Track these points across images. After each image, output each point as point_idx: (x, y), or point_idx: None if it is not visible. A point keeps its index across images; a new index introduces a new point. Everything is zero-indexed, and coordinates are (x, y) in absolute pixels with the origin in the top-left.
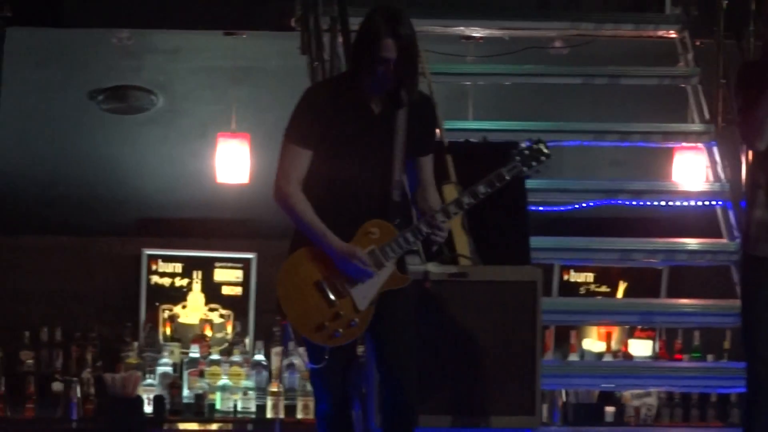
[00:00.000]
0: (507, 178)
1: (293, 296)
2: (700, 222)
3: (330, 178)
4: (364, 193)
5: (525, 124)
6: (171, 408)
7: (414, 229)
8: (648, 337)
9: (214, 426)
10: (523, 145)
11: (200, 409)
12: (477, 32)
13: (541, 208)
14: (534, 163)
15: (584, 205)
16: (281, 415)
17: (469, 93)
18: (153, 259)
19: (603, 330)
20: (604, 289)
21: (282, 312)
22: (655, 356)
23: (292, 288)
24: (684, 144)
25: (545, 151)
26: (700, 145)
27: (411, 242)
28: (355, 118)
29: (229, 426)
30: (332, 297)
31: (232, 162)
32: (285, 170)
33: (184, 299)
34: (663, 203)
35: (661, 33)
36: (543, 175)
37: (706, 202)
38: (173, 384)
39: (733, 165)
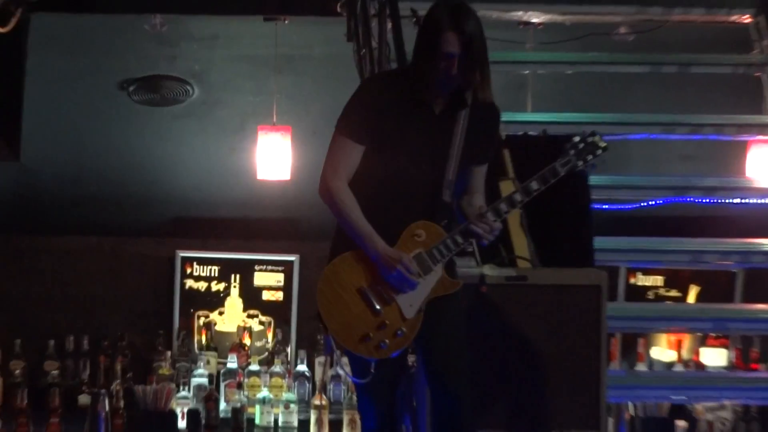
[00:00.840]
0: (561, 173)
1: (334, 305)
2: None
3: (380, 176)
4: (413, 193)
5: (588, 116)
6: (206, 423)
7: (463, 230)
8: (722, 346)
9: None
10: (577, 138)
11: (238, 424)
12: (537, 17)
13: (605, 206)
14: (589, 157)
15: (652, 203)
16: (326, 431)
17: (528, 82)
18: (188, 261)
19: (673, 338)
20: (674, 293)
21: (323, 323)
22: (730, 366)
23: (333, 296)
24: (759, 137)
25: (601, 144)
26: None
27: (460, 244)
28: (413, 115)
29: None
30: (377, 305)
31: (273, 157)
32: (334, 163)
33: (222, 305)
34: (737, 200)
35: (734, 18)
36: (608, 171)
37: None
38: (209, 397)
39: None
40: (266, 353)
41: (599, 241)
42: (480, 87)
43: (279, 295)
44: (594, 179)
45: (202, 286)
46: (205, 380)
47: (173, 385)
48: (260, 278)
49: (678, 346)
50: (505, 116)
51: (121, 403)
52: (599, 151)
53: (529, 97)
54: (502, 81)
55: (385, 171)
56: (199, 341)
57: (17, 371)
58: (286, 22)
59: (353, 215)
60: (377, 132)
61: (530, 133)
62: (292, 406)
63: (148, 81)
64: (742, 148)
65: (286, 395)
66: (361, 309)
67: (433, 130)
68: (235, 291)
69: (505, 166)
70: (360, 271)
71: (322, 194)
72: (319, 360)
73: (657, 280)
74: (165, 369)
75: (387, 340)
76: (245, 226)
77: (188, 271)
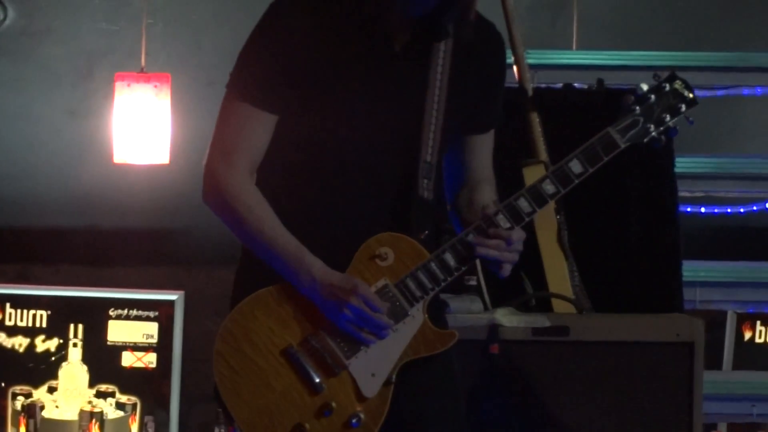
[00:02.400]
0: (620, 144)
1: (243, 379)
2: None
3: (310, 160)
4: (367, 187)
5: (673, 56)
6: None
7: (458, 246)
8: None
9: None
10: (644, 86)
11: None
12: None
13: (703, 210)
14: (666, 117)
15: None
16: None
17: (574, 2)
18: None
19: None
20: None
21: (224, 409)
22: None
23: (241, 364)
24: None
25: (687, 94)
26: None
27: (453, 271)
28: (359, 56)
29: None
30: (315, 377)
31: (140, 126)
32: (225, 145)
33: (53, 376)
34: None
35: None
36: (703, 150)
37: None
38: None
39: None
40: None
41: (691, 268)
42: (463, 5)
43: (150, 360)
44: (682, 165)
45: (20, 343)
46: None
47: None
48: (118, 331)
49: None
50: (532, 56)
51: None
52: (682, 106)
53: (574, 25)
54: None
55: (318, 151)
56: None
57: None
58: None
59: (266, 226)
60: (299, 89)
61: (575, 84)
62: None
63: None
64: None
65: None
66: (288, 383)
67: (395, 77)
68: (75, 353)
69: (533, 140)
70: (285, 320)
71: (207, 197)
72: None
73: None
74: None
75: None
76: (93, 242)
77: None
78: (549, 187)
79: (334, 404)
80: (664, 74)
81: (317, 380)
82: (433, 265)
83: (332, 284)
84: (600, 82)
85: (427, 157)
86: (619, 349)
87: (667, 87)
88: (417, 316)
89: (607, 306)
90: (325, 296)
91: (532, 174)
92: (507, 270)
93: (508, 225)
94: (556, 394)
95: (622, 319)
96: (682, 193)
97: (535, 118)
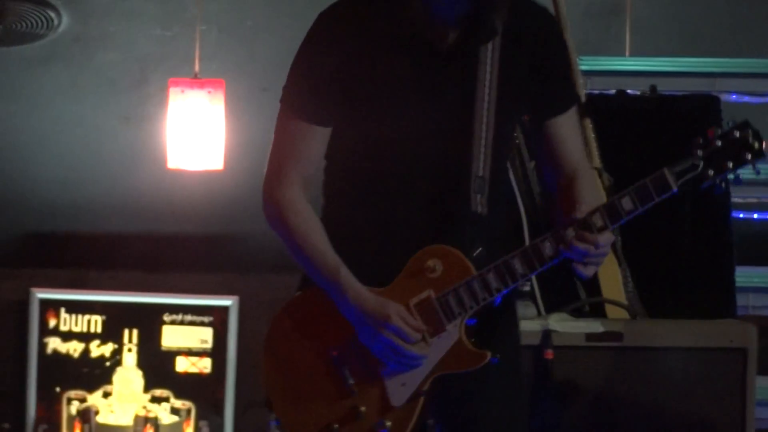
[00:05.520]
0: (673, 187)
1: (286, 373)
2: None
3: (361, 170)
4: (420, 196)
5: (732, 63)
6: None
7: (506, 267)
8: None
9: None
10: (717, 131)
11: None
12: None
13: (755, 216)
14: (729, 164)
15: None
16: None
17: (627, 4)
18: (51, 307)
19: None
20: None
21: (269, 401)
22: None
23: (285, 359)
24: None
25: (755, 144)
26: None
27: (493, 290)
28: (405, 63)
29: None
30: (350, 378)
31: (195, 132)
32: (279, 160)
33: (108, 381)
34: None
35: None
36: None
37: None
38: None
39: None
40: None
41: (744, 274)
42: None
43: (205, 365)
44: None
45: (74, 348)
46: None
47: None
48: (173, 336)
49: None
50: (585, 63)
51: None
52: (748, 156)
53: (627, 31)
54: (584, 4)
55: (369, 162)
56: None
57: None
58: None
59: (307, 244)
60: (346, 100)
61: (628, 91)
62: None
63: None
64: None
65: None
66: (324, 382)
67: (440, 85)
68: (130, 358)
69: (586, 147)
70: (329, 321)
71: (266, 211)
72: None
73: None
74: None
75: None
76: (147, 248)
77: (52, 323)
78: (627, 204)
79: (363, 409)
80: (737, 120)
81: (351, 382)
82: (475, 283)
83: (365, 312)
84: (653, 88)
85: (479, 172)
86: (673, 354)
87: (737, 134)
88: (453, 332)
89: (661, 312)
90: (359, 322)
91: None
92: (591, 271)
93: (575, 235)
94: (610, 400)
95: (676, 325)
96: (735, 200)
97: (589, 125)
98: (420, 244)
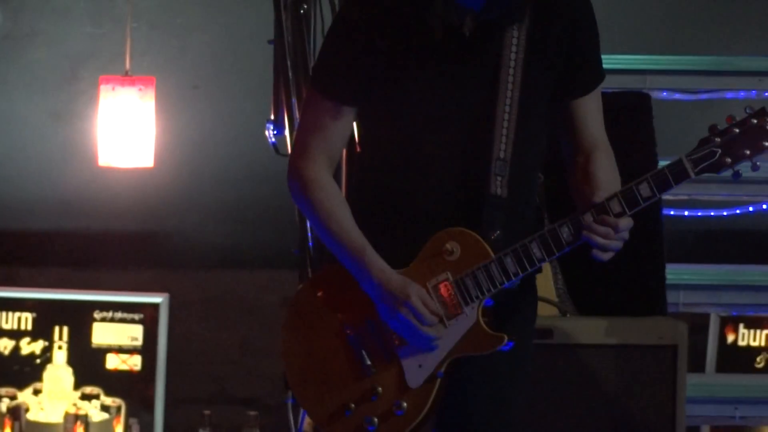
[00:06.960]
0: (691, 174)
1: (302, 353)
2: None
3: (384, 150)
4: (442, 177)
5: (659, 60)
6: None
7: (523, 251)
8: None
9: None
10: (735, 118)
11: None
12: None
13: (686, 213)
14: (747, 152)
15: (766, 207)
16: None
17: None
18: None
19: None
20: None
21: (287, 382)
22: None
23: (305, 336)
24: None
25: None
26: None
27: (511, 274)
28: (431, 44)
29: None
30: (367, 359)
31: (126, 129)
32: (305, 137)
33: (38, 378)
34: None
35: None
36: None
37: None
38: None
39: None
40: None
41: (675, 271)
42: None
43: (135, 362)
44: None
45: (5, 346)
46: None
47: None
48: (103, 333)
49: None
50: None
51: None
52: (766, 144)
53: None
54: None
55: (391, 143)
56: None
57: None
58: None
59: (332, 221)
60: (371, 80)
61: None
62: None
63: None
64: None
65: None
66: (341, 362)
67: (464, 68)
68: (60, 355)
69: None
70: (349, 299)
71: (290, 186)
72: None
73: None
74: None
75: (375, 419)
76: (77, 245)
77: None
78: (645, 190)
79: (380, 389)
80: (756, 107)
81: (368, 363)
82: (493, 267)
83: (387, 289)
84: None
85: (500, 154)
86: (603, 351)
87: (755, 122)
88: (471, 315)
89: (591, 309)
90: (380, 299)
91: None
92: (608, 256)
93: (618, 210)
94: (539, 397)
95: (606, 322)
96: (665, 197)
97: None
98: (439, 226)
